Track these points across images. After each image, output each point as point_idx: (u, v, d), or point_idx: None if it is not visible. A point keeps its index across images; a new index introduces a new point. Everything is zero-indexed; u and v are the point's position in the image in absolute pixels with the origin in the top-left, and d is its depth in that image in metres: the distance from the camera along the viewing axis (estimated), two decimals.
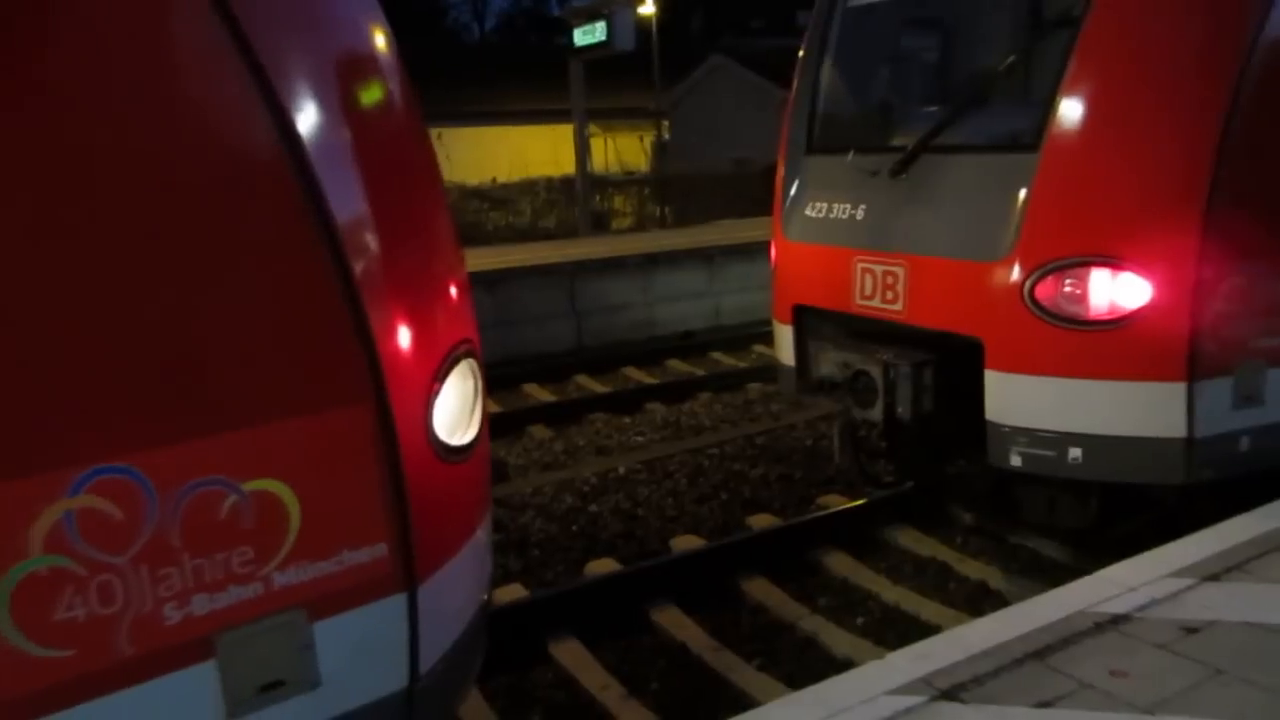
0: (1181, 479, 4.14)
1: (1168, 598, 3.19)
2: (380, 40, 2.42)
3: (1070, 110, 4.10)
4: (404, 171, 2.45)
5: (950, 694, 2.70)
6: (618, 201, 20.61)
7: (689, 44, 36.27)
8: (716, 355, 11.39)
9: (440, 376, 2.36)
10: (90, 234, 1.85)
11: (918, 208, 4.73)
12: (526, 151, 26.02)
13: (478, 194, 17.84)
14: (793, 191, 5.59)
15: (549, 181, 19.57)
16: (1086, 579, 3.39)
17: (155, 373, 1.91)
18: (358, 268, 2.14)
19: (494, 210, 16.99)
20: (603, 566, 5.55)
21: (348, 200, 2.16)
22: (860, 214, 5.06)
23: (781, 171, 5.70)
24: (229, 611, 2.00)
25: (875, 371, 4.77)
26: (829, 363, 5.08)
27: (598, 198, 19.22)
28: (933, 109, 5.06)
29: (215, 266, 1.99)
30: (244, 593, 2.02)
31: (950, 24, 5.20)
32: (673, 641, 4.83)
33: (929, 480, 5.99)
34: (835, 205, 5.22)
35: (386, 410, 2.17)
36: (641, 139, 30.82)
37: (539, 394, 9.76)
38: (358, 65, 2.35)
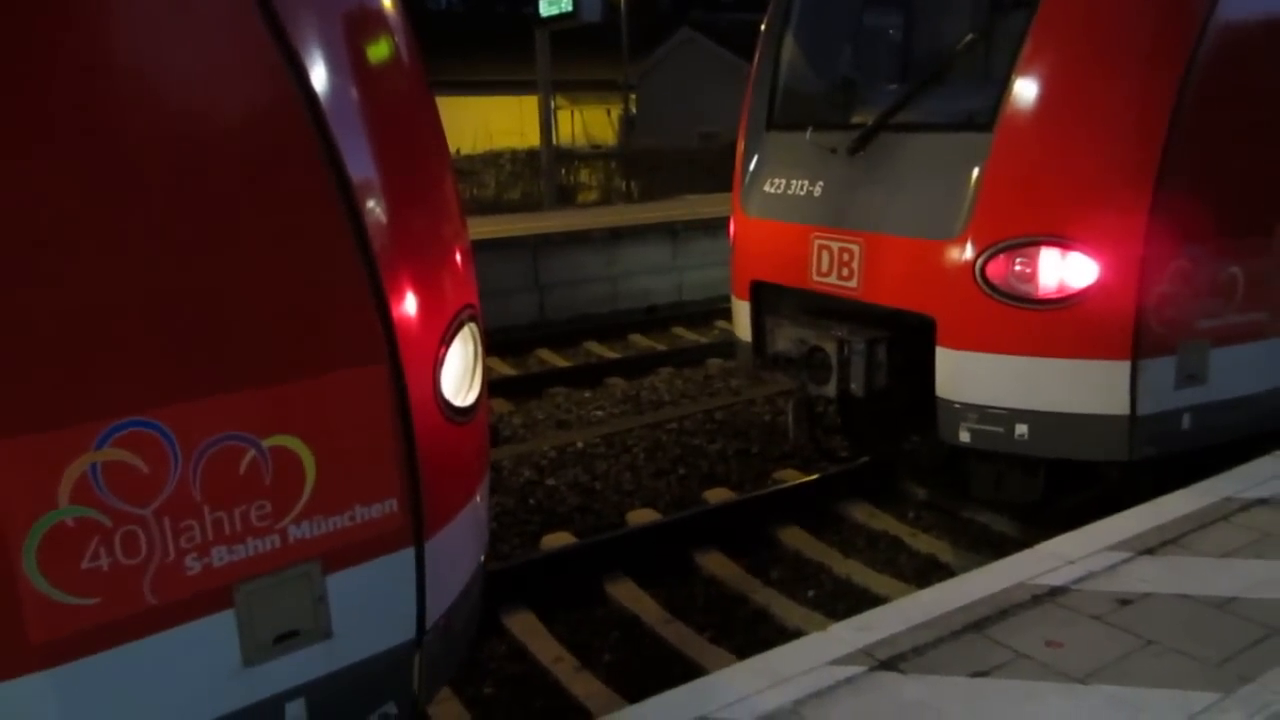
0: (1125, 455, 4.24)
1: (1104, 570, 3.27)
2: (389, 1, 2.45)
3: (1024, 91, 4.13)
4: (414, 133, 2.51)
5: (890, 664, 2.76)
6: (584, 175, 20.47)
7: (660, 17, 35.96)
8: (679, 330, 11.42)
9: (447, 340, 2.43)
10: (118, 192, 1.88)
11: (874, 185, 4.76)
12: (491, 123, 25.70)
13: None
14: (752, 167, 5.59)
15: (514, 154, 19.39)
16: (1026, 552, 3.47)
17: (181, 329, 1.96)
18: (373, 230, 2.19)
19: (459, 182, 16.79)
20: (559, 540, 5.57)
21: (363, 161, 2.20)
22: (818, 191, 5.07)
23: (741, 147, 5.69)
24: (247, 563, 2.06)
25: (830, 348, 4.80)
26: (785, 339, 5.10)
27: (563, 171, 19.08)
28: (892, 87, 5.08)
29: (239, 225, 2.03)
30: (261, 545, 2.08)
31: (911, 1, 5.21)
32: (626, 614, 4.87)
33: (883, 456, 6.07)
34: (794, 182, 5.23)
35: (399, 371, 2.24)
36: (609, 112, 30.60)
37: (499, 368, 9.73)
38: (370, 25, 2.38)
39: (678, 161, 20.50)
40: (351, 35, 2.29)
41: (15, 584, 1.79)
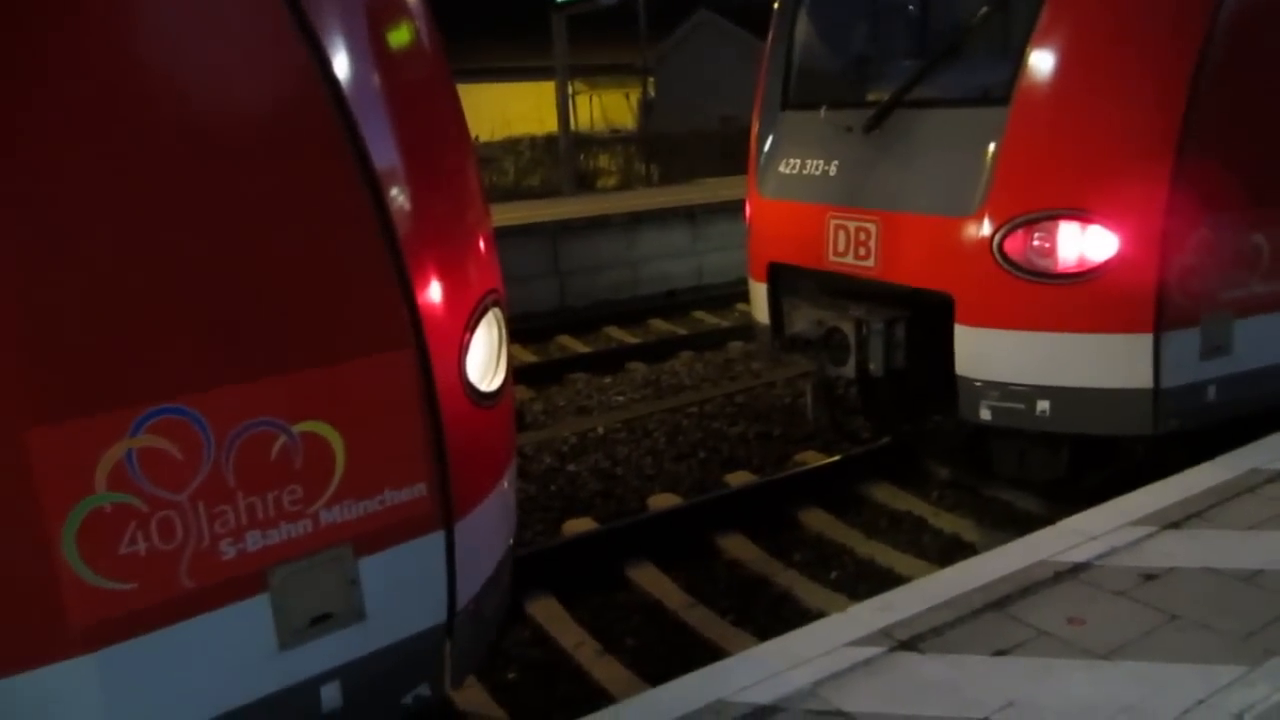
0: (1149, 430, 4.18)
1: (1128, 546, 3.24)
2: None
3: (1040, 63, 4.07)
4: (436, 120, 2.53)
5: (909, 644, 2.74)
6: (603, 160, 20.40)
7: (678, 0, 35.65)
8: (699, 314, 11.38)
9: (472, 325, 2.45)
10: (147, 181, 1.91)
11: (890, 163, 4.71)
12: (511, 109, 25.68)
13: None
14: (767, 148, 5.55)
15: (533, 140, 19.35)
16: (1048, 529, 3.44)
17: (211, 317, 1.99)
18: (398, 216, 2.22)
19: (480, 169, 16.79)
20: (580, 525, 5.59)
21: (387, 149, 2.23)
22: (834, 170, 5.03)
23: (756, 128, 5.65)
24: (280, 547, 2.09)
25: (848, 328, 4.77)
26: (803, 320, 5.08)
27: (582, 157, 19.02)
28: (907, 63, 5.01)
29: (266, 213, 2.06)
30: (294, 529, 2.11)
31: None
32: (649, 599, 4.87)
33: (904, 435, 6.03)
34: (809, 161, 5.19)
35: (425, 356, 2.26)
36: (628, 96, 30.43)
37: (521, 354, 9.75)
38: (392, 13, 2.40)
39: (697, 144, 20.37)
40: (374, 23, 2.31)
41: (55, 569, 1.83)
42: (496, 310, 2.62)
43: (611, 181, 19.14)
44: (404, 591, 2.33)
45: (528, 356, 9.68)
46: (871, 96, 4.98)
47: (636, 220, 12.70)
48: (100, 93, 1.86)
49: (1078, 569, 3.11)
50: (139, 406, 1.89)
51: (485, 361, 2.54)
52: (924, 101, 4.65)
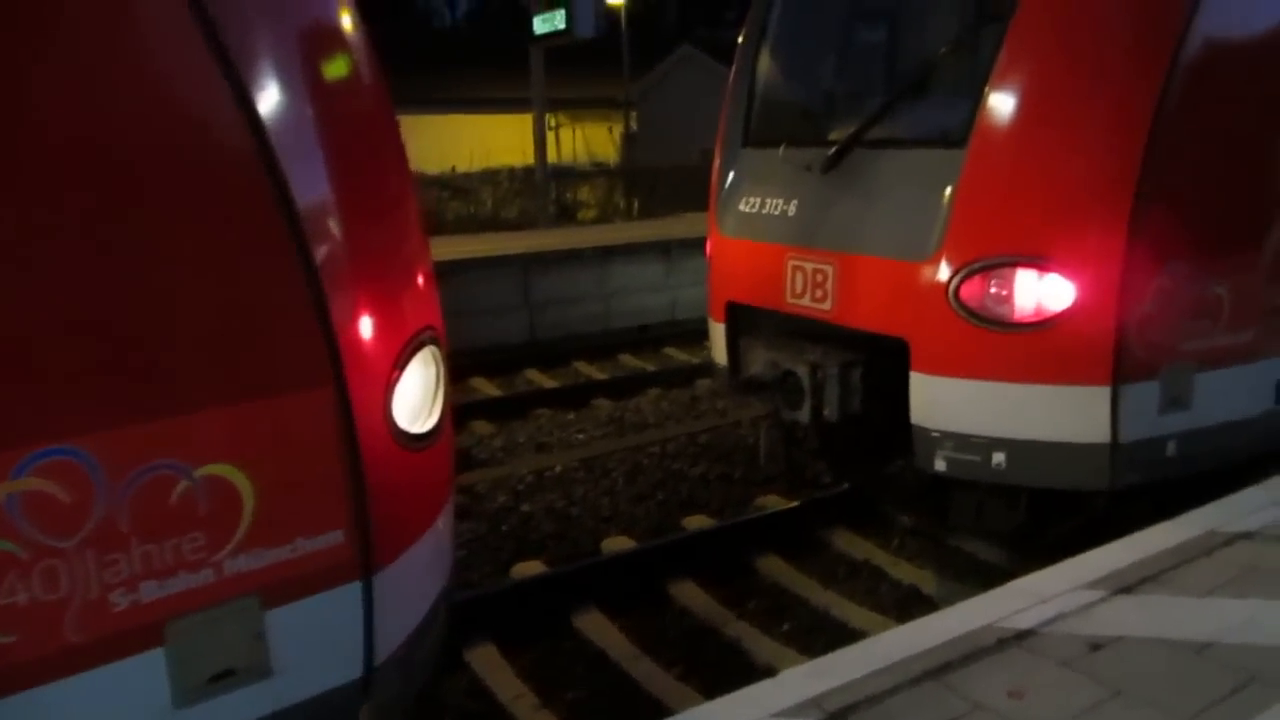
0: (1106, 484, 4.06)
1: (1077, 611, 3.09)
2: (347, 19, 2.38)
3: (997, 106, 3.98)
4: (370, 154, 2.43)
5: (839, 715, 2.58)
6: (583, 192, 20.39)
7: (663, 34, 36.02)
8: (670, 350, 11.26)
9: (401, 363, 2.33)
10: (39, 208, 1.79)
11: (848, 204, 4.61)
12: (493, 140, 25.70)
13: (438, 182, 17.59)
14: (728, 185, 5.46)
15: (511, 171, 19.32)
16: (997, 590, 3.28)
17: (106, 353, 1.87)
18: (320, 251, 2.11)
19: (454, 199, 16.74)
20: (530, 568, 5.40)
21: (311, 182, 2.13)
22: (793, 210, 4.93)
23: (717, 164, 5.56)
24: (179, 598, 1.96)
25: (803, 372, 4.64)
26: (758, 362, 4.95)
27: (561, 189, 19.00)
28: (868, 102, 4.93)
29: (171, 247, 1.95)
30: (195, 579, 1.98)
31: (886, 14, 5.07)
32: (593, 648, 4.69)
33: (863, 481, 5.88)
34: (769, 200, 5.09)
35: (345, 396, 2.14)
36: (610, 130, 30.56)
37: (485, 388, 9.58)
38: (323, 44, 2.31)
39: (677, 178, 20.39)
40: (299, 49, 2.21)
41: None
42: (433, 348, 2.50)
43: (591, 214, 19.12)
44: (317, 645, 2.20)
45: (492, 390, 9.51)
46: (831, 135, 4.89)
47: (610, 253, 12.61)
48: (10, 127, 1.74)
49: (1023, 635, 2.95)
50: (23, 448, 1.76)
51: (417, 402, 2.41)
52: (882, 142, 4.56)
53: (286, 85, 2.12)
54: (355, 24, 2.41)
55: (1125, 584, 3.26)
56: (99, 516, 1.85)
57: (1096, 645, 2.88)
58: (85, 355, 1.84)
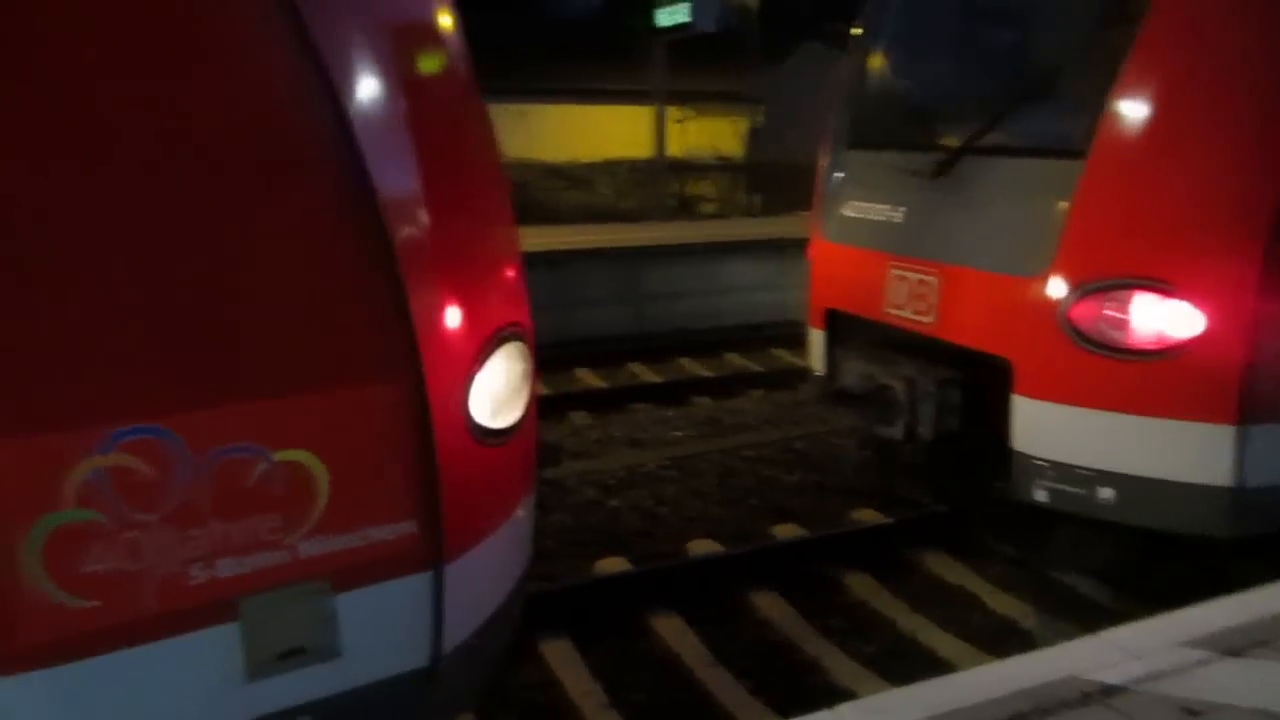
0: (1225, 532, 3.73)
1: (1174, 671, 2.83)
2: (436, 9, 2.40)
3: (1122, 115, 3.69)
4: (457, 148, 2.45)
5: None
6: (704, 186, 20.28)
7: (795, 28, 35.35)
8: (777, 351, 11.06)
9: (482, 358, 2.35)
10: (132, 195, 1.87)
11: (956, 213, 4.38)
12: (615, 131, 25.85)
13: (556, 172, 17.82)
14: (832, 188, 5.28)
15: (633, 163, 19.36)
16: (1087, 639, 3.05)
17: (193, 336, 1.94)
18: (402, 244, 2.14)
19: (572, 190, 16.93)
20: (613, 565, 5.39)
21: (395, 174, 2.16)
22: (899, 216, 4.73)
23: (822, 166, 5.39)
24: (253, 576, 2.03)
25: (898, 387, 4.45)
26: (852, 374, 4.77)
27: (682, 183, 18.95)
28: (983, 106, 4.66)
29: (257, 235, 2.01)
30: (269, 559, 2.04)
31: (1006, 14, 4.78)
32: (668, 652, 4.64)
33: (962, 504, 5.61)
34: (874, 206, 4.89)
35: (422, 389, 2.17)
36: (735, 124, 30.23)
37: (587, 379, 9.64)
38: (409, 34, 2.33)
39: (800, 174, 20.05)
40: (385, 40, 2.23)
41: (15, 581, 1.80)
42: (518, 343, 2.50)
43: (711, 208, 18.99)
44: (384, 631, 2.24)
45: (594, 381, 9.56)
46: (941, 140, 4.65)
47: (724, 249, 12.48)
48: (87, 103, 1.82)
49: (1110, 692, 2.73)
50: (112, 424, 1.84)
51: (498, 397, 2.42)
52: (996, 149, 4.31)
53: (372, 76, 2.15)
54: (443, 13, 2.42)
55: (1233, 646, 2.98)
56: (181, 493, 1.92)
57: (1191, 710, 2.64)
58: (172, 337, 1.92)
